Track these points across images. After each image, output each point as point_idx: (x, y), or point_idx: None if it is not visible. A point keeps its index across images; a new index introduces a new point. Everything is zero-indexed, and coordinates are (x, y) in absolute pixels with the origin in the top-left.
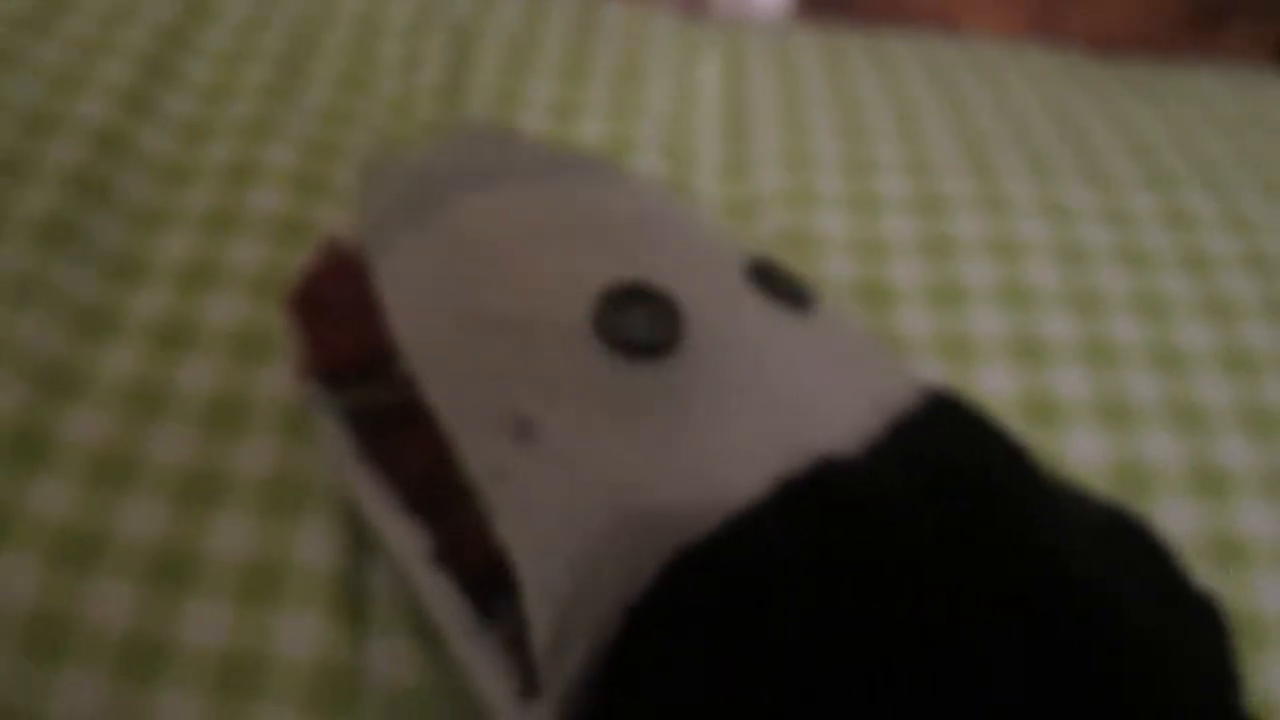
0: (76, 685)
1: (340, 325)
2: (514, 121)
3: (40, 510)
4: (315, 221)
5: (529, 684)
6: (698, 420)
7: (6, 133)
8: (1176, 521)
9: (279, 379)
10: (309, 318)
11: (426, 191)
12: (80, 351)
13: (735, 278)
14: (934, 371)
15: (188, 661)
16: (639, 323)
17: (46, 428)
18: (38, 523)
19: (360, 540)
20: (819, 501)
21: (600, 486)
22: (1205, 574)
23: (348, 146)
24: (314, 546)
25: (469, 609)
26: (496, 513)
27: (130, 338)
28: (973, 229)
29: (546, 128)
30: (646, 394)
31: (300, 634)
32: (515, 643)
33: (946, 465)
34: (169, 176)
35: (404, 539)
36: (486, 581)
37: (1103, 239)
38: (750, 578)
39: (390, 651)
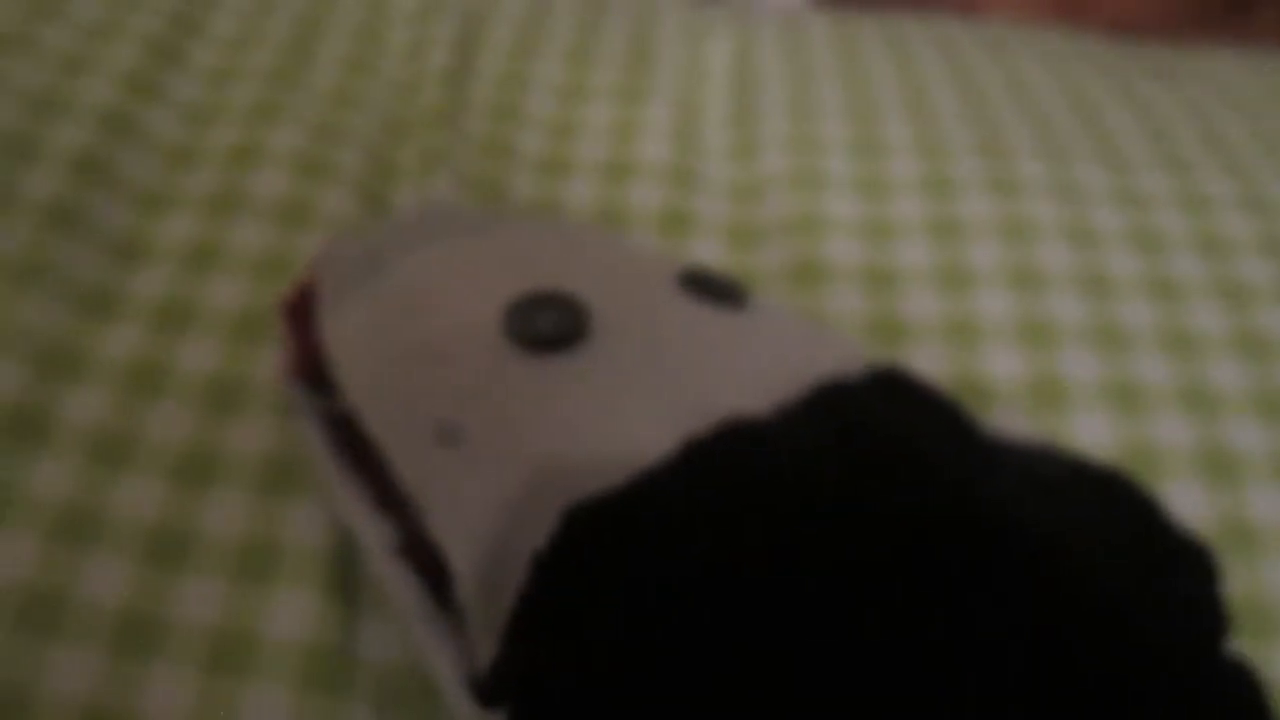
0: (71, 662)
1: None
2: (520, 105)
3: (38, 489)
4: (319, 205)
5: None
6: (607, 396)
7: (12, 115)
8: (1186, 506)
9: (277, 362)
10: (297, 325)
11: (370, 261)
12: (81, 332)
13: (655, 283)
14: (940, 354)
15: (181, 639)
16: (545, 320)
17: (46, 407)
18: (35, 501)
19: None
20: (720, 454)
21: (518, 464)
22: (1207, 543)
23: (353, 130)
24: (308, 526)
25: (427, 598)
26: (428, 514)
27: (131, 319)
28: (982, 211)
29: (554, 112)
30: (557, 379)
31: (293, 613)
32: (463, 629)
33: (854, 419)
34: (174, 159)
35: (372, 532)
36: (444, 573)
37: (1115, 221)
38: (650, 526)
39: (382, 632)
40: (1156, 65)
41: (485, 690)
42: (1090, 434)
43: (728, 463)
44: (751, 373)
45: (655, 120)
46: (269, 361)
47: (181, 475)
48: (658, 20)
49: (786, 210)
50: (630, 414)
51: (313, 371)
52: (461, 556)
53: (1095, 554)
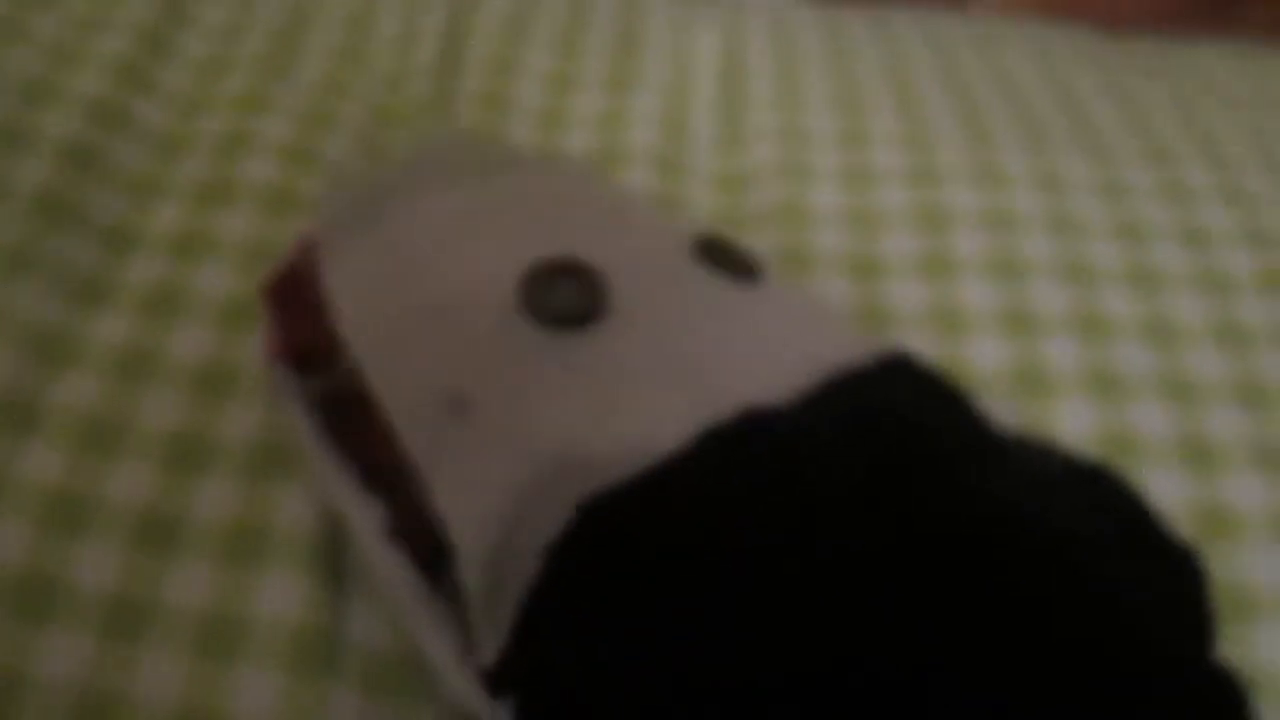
0: (62, 646)
1: (308, 315)
2: (509, 95)
3: (30, 474)
4: (307, 192)
5: (470, 647)
6: (624, 381)
7: (3, 104)
8: (1166, 493)
9: (261, 344)
10: (281, 306)
11: (375, 200)
12: (73, 320)
13: (674, 252)
14: (924, 343)
15: (171, 623)
16: (564, 295)
17: (37, 394)
18: (27, 487)
19: None
20: (738, 445)
21: (529, 448)
22: (1194, 545)
23: (342, 118)
24: (297, 511)
25: (420, 579)
26: (432, 486)
27: (122, 306)
28: (967, 201)
29: (542, 102)
30: (574, 361)
31: (281, 596)
32: (460, 609)
33: (872, 411)
34: (164, 148)
35: (361, 514)
36: (436, 554)
37: (1098, 212)
38: (665, 520)
39: (371, 615)
40: (1144, 59)
41: (493, 681)
42: (1071, 421)
43: (745, 454)
44: (766, 359)
45: (643, 110)
46: (258, 348)
47: (172, 461)
48: (646, 11)
49: (773, 200)
50: (646, 401)
51: (297, 353)
52: (466, 535)
53: (1098, 551)
